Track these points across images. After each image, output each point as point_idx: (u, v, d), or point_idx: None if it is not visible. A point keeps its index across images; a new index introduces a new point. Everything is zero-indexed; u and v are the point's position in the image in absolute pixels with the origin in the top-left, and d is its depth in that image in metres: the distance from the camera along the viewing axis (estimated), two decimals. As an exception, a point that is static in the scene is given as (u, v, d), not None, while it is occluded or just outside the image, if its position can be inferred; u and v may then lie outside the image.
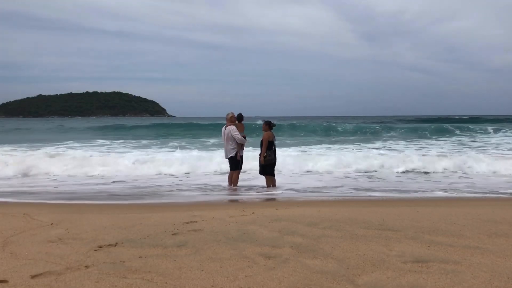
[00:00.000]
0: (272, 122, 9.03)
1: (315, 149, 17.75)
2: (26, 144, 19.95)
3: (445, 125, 37.96)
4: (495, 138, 26.44)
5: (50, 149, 17.06)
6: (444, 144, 21.93)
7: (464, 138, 27.16)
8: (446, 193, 8.51)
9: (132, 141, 24.01)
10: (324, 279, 3.09)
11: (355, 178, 10.78)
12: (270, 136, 8.80)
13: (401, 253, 3.68)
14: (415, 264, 3.40)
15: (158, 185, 9.75)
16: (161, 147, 20.11)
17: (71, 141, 23.43)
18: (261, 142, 8.84)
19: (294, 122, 39.24)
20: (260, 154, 8.82)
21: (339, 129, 35.53)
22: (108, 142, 23.83)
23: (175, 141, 24.12)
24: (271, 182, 8.93)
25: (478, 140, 25.42)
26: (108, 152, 17.07)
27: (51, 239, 4.23)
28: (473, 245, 3.93)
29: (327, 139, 26.78)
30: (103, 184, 10.02)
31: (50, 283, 3.01)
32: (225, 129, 9.07)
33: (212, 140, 24.10)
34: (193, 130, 36.24)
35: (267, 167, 8.84)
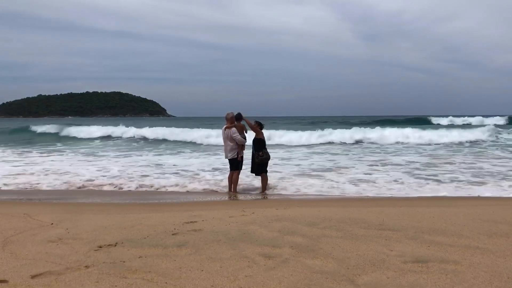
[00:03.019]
0: (261, 122, 9.31)
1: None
2: None
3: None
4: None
5: None
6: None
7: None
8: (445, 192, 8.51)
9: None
10: (324, 279, 3.09)
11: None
12: (261, 135, 9.08)
13: (401, 253, 3.68)
14: (415, 264, 3.40)
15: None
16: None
17: None
18: (253, 141, 9.10)
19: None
20: (253, 154, 9.00)
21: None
22: None
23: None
24: (265, 180, 9.05)
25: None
26: None
27: (51, 239, 4.23)
28: (473, 245, 3.93)
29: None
30: None
31: (50, 283, 3.01)
32: (224, 130, 9.08)
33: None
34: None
35: (264, 165, 8.99)
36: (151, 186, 9.70)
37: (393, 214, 5.37)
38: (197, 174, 11.19)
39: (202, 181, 10.10)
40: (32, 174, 11.32)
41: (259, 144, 8.97)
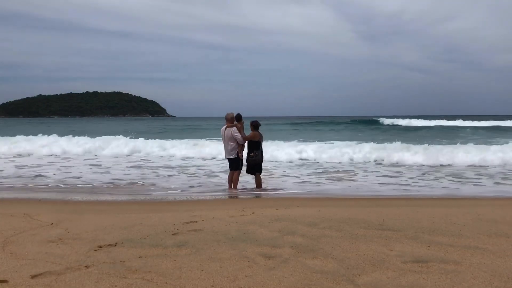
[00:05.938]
0: (258, 122, 9.20)
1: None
2: None
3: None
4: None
5: None
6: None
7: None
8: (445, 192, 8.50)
9: None
10: (324, 279, 3.09)
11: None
12: (256, 136, 9.00)
13: (401, 253, 3.68)
14: (415, 264, 3.40)
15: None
16: None
17: None
18: (248, 142, 9.05)
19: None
20: (247, 154, 9.01)
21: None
22: None
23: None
24: (259, 181, 9.08)
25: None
26: None
27: (51, 239, 4.23)
28: (473, 245, 3.93)
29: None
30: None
31: (50, 283, 3.01)
32: (225, 129, 9.07)
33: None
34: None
35: (255, 166, 9.01)
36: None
37: (393, 214, 5.37)
38: None
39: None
40: None
41: (252, 145, 8.93)
